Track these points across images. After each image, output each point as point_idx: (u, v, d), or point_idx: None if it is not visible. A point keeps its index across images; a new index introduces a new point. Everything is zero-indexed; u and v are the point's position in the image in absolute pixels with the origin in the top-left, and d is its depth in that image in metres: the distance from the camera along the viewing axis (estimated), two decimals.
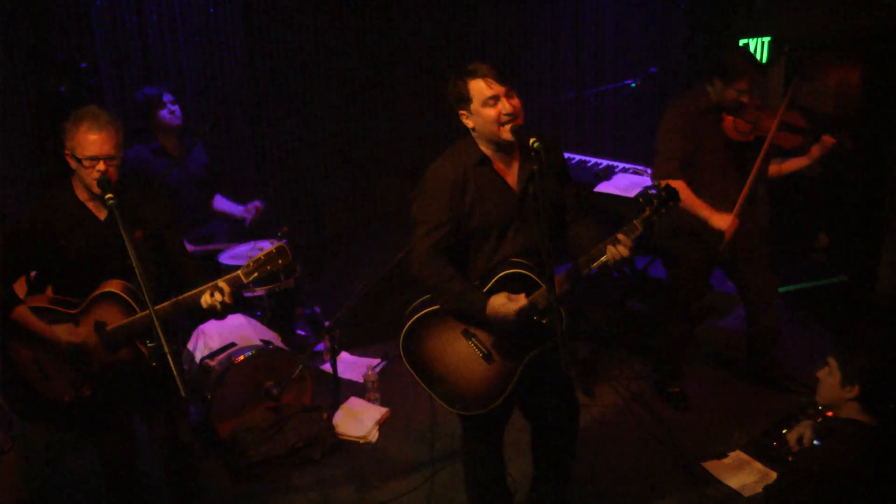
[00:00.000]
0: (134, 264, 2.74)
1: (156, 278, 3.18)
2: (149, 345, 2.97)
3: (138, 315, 3.03)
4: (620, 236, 2.89)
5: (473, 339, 3.02)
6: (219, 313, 3.02)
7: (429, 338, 3.06)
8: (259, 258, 3.02)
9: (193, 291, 3.01)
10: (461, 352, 3.04)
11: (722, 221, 3.99)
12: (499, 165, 2.99)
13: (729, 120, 4.07)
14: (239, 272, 3.02)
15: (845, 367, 2.65)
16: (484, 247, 3.01)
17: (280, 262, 3.03)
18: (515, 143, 2.91)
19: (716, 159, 4.12)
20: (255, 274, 3.02)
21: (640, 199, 2.94)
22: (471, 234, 2.99)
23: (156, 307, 2.81)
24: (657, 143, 4.18)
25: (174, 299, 3.01)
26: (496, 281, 2.97)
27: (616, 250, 2.88)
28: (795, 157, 4.20)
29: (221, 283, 3.00)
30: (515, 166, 3.00)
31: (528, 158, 2.85)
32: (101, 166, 2.97)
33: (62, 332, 3.06)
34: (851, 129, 4.21)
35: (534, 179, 2.72)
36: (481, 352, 3.02)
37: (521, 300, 2.89)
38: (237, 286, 3.03)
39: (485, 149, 2.97)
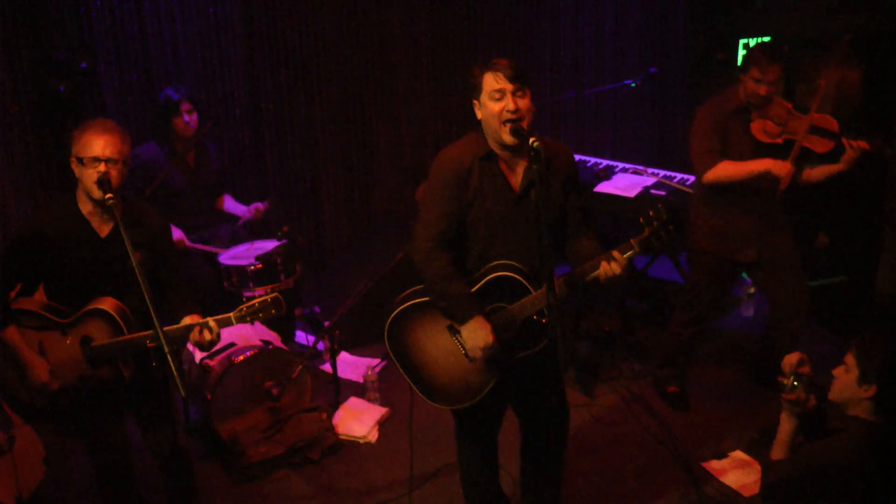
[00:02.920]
0: (138, 275, 2.75)
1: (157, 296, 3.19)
2: (149, 345, 2.98)
3: (125, 337, 3.04)
4: (615, 254, 2.86)
5: (458, 336, 3.02)
6: (204, 347, 3.05)
7: (415, 327, 3.08)
8: (253, 305, 3.02)
9: (183, 326, 3.03)
10: (444, 346, 3.05)
11: (780, 167, 3.92)
12: (504, 164, 2.98)
13: (758, 122, 4.04)
14: (231, 315, 3.02)
15: (864, 366, 2.65)
16: (477, 243, 3.00)
17: (273, 311, 3.02)
18: (522, 146, 2.88)
19: (746, 159, 4.06)
20: (248, 319, 3.02)
21: (642, 220, 2.89)
22: (466, 228, 2.99)
23: (166, 328, 2.83)
24: (692, 144, 4.13)
25: (184, 324, 3.03)
26: (486, 283, 2.96)
27: (609, 267, 2.85)
28: (827, 164, 4.03)
29: (212, 323, 3.01)
30: (521, 168, 2.98)
31: (533, 164, 2.79)
32: (101, 167, 2.95)
33: (41, 369, 3.08)
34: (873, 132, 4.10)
35: (536, 182, 2.69)
36: (464, 349, 3.02)
37: (489, 340, 2.90)
38: (226, 326, 3.04)
39: (492, 145, 2.97)
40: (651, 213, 2.87)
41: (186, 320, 3.11)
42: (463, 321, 2.94)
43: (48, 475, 3.73)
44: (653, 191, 4.88)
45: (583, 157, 5.44)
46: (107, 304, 3.06)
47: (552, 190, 2.98)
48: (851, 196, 5.55)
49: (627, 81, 5.62)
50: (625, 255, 2.87)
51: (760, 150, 4.04)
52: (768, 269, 4.28)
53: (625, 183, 4.98)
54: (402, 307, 3.08)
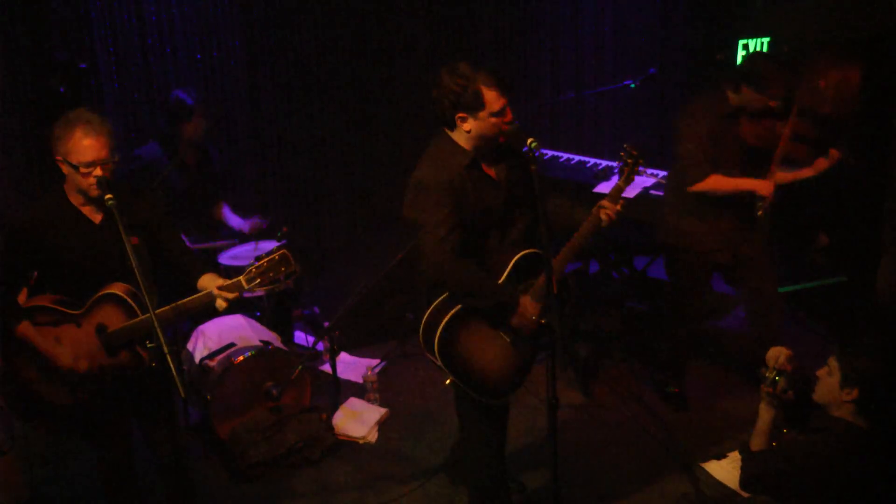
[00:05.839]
0: (133, 265, 2.74)
1: (154, 280, 3.17)
2: (149, 345, 2.97)
3: (139, 318, 3.02)
4: (605, 202, 3.15)
5: (502, 328, 3.12)
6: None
7: (463, 336, 3.11)
8: (262, 264, 2.97)
9: (193, 297, 3.02)
10: (490, 341, 3.13)
11: (764, 188, 4.03)
12: (484, 164, 3.09)
13: (749, 126, 4.06)
14: (241, 278, 2.99)
15: (846, 369, 2.66)
16: (488, 242, 3.10)
17: (283, 269, 3.00)
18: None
19: (735, 163, 4.09)
20: (258, 280, 2.99)
21: (621, 155, 3.28)
22: (474, 233, 3.06)
23: (156, 311, 2.82)
24: (681, 149, 4.14)
25: (174, 304, 3.00)
26: (511, 268, 3.08)
27: (608, 212, 3.14)
28: (801, 168, 4.17)
29: (225, 290, 2.99)
30: (495, 162, 3.12)
31: (505, 154, 3.10)
32: (98, 171, 2.93)
33: (63, 355, 3.05)
34: (852, 134, 4.21)
35: (513, 172, 3.08)
36: (510, 338, 3.13)
37: (538, 310, 3.08)
38: (239, 291, 3.01)
39: (473, 152, 3.05)
40: (622, 153, 3.25)
41: (205, 278, 3.11)
42: (515, 305, 3.07)
43: (48, 475, 3.74)
44: (652, 191, 4.87)
45: (582, 158, 5.44)
46: (117, 289, 3.04)
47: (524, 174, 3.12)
48: (851, 196, 5.54)
49: (627, 82, 5.61)
50: (616, 196, 3.16)
51: (748, 153, 4.09)
52: (743, 267, 4.32)
53: None
54: (443, 323, 3.07)
